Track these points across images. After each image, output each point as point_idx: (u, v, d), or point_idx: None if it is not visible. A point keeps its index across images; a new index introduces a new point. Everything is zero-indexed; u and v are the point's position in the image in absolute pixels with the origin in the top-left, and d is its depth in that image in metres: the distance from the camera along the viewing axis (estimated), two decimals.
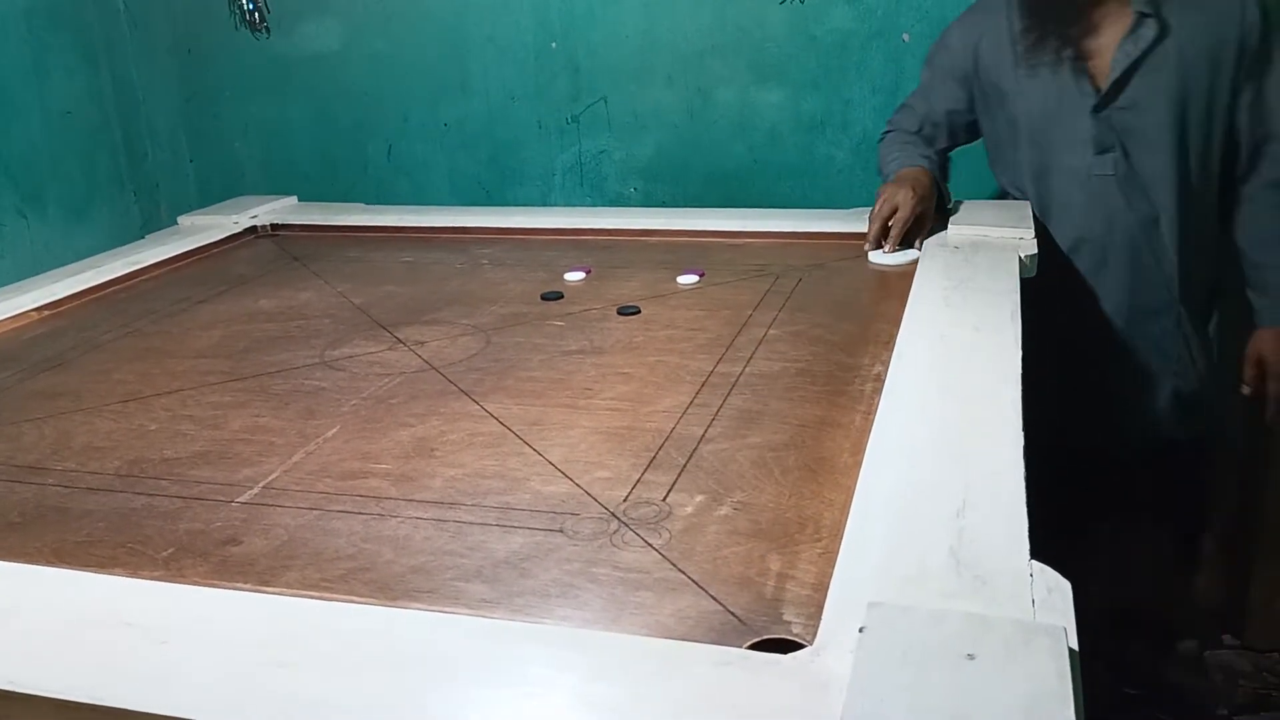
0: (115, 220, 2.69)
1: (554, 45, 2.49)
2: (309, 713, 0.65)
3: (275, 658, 0.71)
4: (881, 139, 1.92)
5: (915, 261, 1.56)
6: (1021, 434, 0.96)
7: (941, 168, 1.83)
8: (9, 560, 0.86)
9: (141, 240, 1.97)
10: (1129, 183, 1.67)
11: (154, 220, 2.75)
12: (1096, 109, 1.66)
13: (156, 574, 0.85)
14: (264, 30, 2.66)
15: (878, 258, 1.64)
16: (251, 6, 2.64)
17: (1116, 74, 1.64)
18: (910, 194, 1.62)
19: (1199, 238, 1.71)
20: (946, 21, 2.18)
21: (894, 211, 1.62)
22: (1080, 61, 1.67)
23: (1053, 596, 0.72)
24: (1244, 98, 1.66)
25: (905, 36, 2.26)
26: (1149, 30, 1.62)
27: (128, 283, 1.75)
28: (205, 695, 0.67)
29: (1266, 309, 1.74)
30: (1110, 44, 1.65)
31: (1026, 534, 0.79)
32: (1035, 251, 1.57)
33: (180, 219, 2.11)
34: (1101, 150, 1.67)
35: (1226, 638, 2.31)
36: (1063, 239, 1.73)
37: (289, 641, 0.72)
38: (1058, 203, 1.73)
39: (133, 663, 0.71)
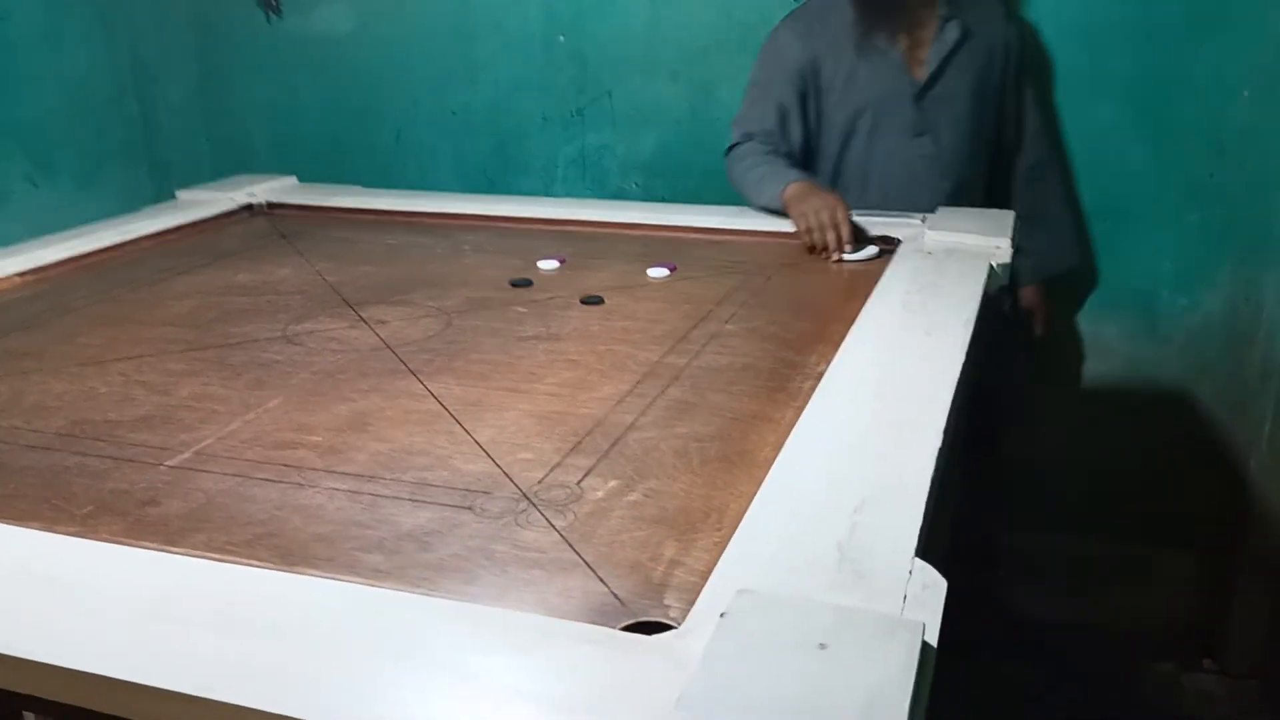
0: (125, 191, 2.74)
1: (561, 38, 2.51)
2: (183, 666, 0.67)
3: (161, 613, 0.72)
4: (730, 152, 1.98)
5: (881, 253, 1.64)
6: (941, 436, 0.96)
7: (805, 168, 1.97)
8: None
9: (137, 212, 2.00)
10: (939, 161, 1.97)
11: (165, 194, 2.77)
12: (917, 98, 1.94)
13: (72, 529, 0.87)
14: (277, 12, 2.70)
15: (847, 256, 1.65)
16: None
17: (933, 68, 1.93)
18: (831, 195, 1.71)
19: (986, 206, 1.97)
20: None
21: (834, 214, 1.66)
22: (903, 56, 1.94)
23: (926, 593, 0.72)
24: (1009, 95, 2.03)
25: None
26: (954, 31, 1.93)
27: (115, 252, 1.78)
28: (85, 646, 0.69)
29: (1027, 270, 2.09)
30: (925, 42, 1.93)
31: (918, 533, 0.79)
32: (1009, 260, 1.57)
33: (179, 193, 2.14)
34: (919, 133, 1.96)
35: (1207, 662, 2.28)
36: (883, 208, 1.87)
37: (177, 599, 0.74)
38: (879, 177, 1.98)
39: (20, 610, 0.73)
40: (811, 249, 1.68)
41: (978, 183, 2.05)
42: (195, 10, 2.80)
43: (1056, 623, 2.32)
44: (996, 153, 2.06)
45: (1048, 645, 2.26)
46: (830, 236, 1.65)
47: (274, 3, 2.70)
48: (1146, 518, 2.34)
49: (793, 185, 1.76)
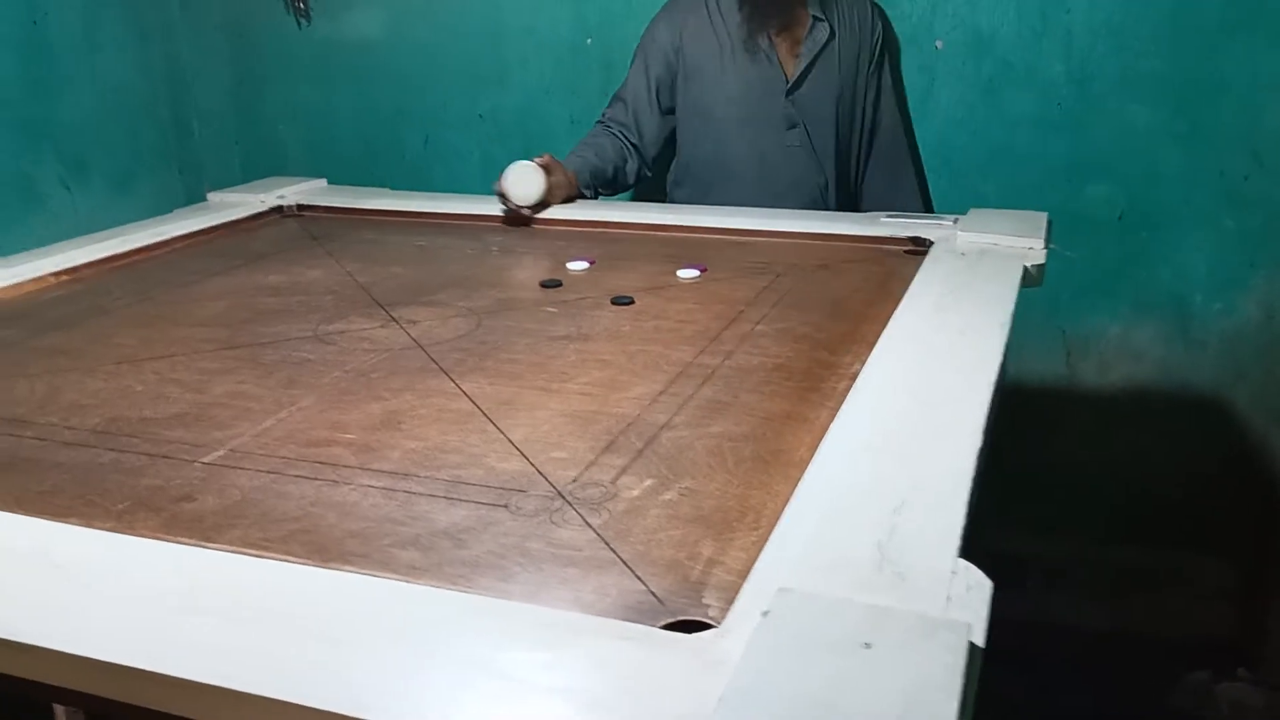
0: (158, 195, 2.76)
1: (589, 41, 2.51)
2: (216, 659, 0.67)
3: (195, 607, 0.72)
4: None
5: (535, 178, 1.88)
6: (980, 437, 0.95)
7: (639, 149, 2.17)
8: None
9: (169, 214, 2.01)
10: (808, 153, 2.08)
11: (197, 197, 2.79)
12: (788, 93, 2.05)
13: (108, 525, 0.87)
14: (306, 17, 2.71)
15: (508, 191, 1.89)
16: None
17: (803, 66, 2.05)
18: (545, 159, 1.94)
19: (850, 196, 2.18)
20: (980, 28, 2.18)
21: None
22: (777, 54, 2.05)
23: (970, 594, 0.71)
24: (870, 94, 2.15)
25: (938, 43, 2.25)
26: (822, 32, 2.05)
27: (149, 254, 1.79)
28: (118, 638, 0.69)
29: None
30: (798, 40, 2.05)
31: (959, 533, 0.78)
32: (1043, 261, 1.55)
33: (210, 196, 2.15)
34: (790, 126, 2.07)
35: (1241, 672, 2.25)
36: (757, 198, 2.03)
37: (210, 592, 0.74)
38: (755, 168, 2.09)
39: (53, 603, 0.73)
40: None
41: (851, 172, 2.18)
42: (228, 16, 2.82)
43: (1090, 631, 2.30)
44: (867, 142, 2.19)
45: (1082, 653, 2.23)
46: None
47: (303, 8, 2.72)
48: (1181, 525, 2.31)
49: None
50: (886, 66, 2.19)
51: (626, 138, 2.15)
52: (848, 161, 2.16)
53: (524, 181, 1.90)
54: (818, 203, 2.11)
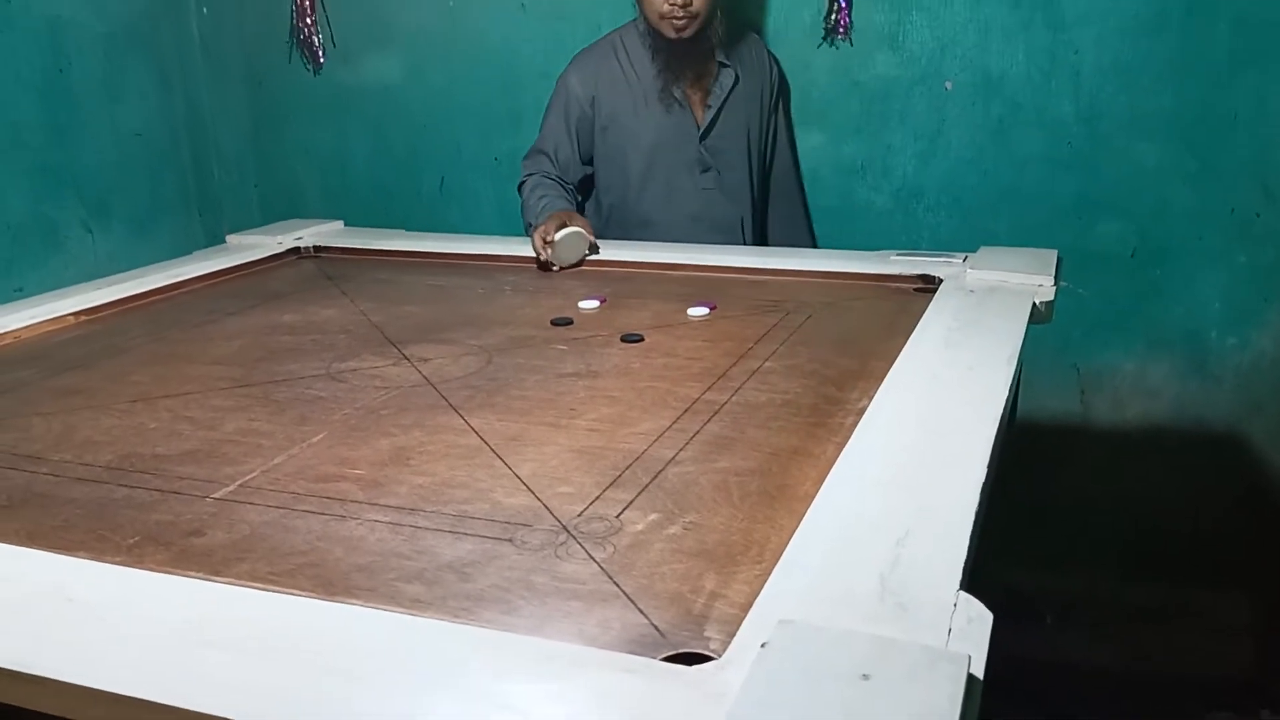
0: (178, 237, 2.80)
1: None
2: (224, 691, 0.67)
3: (203, 639, 0.73)
4: (521, 186, 2.19)
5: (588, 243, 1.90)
6: (985, 470, 0.95)
7: (583, 191, 2.25)
8: None
9: (188, 256, 2.04)
10: (723, 193, 2.17)
11: (216, 239, 2.83)
12: (701, 139, 2.13)
13: (119, 559, 0.88)
14: (317, 64, 2.76)
15: (556, 255, 1.88)
16: (314, 39, 2.74)
17: (713, 112, 2.13)
18: (548, 221, 1.93)
19: (760, 230, 2.26)
20: (990, 70, 2.20)
21: (544, 237, 1.89)
22: (689, 103, 2.13)
23: (971, 626, 0.71)
24: (769, 134, 2.24)
25: (948, 84, 2.27)
26: (728, 77, 2.13)
27: (167, 295, 1.81)
28: (125, 669, 0.69)
29: None
30: (706, 88, 2.13)
31: (962, 565, 0.78)
32: (1052, 298, 1.55)
33: (229, 238, 2.19)
34: (704, 170, 2.15)
35: (1265, 714, 2.22)
36: (675, 236, 2.11)
37: (218, 626, 0.75)
38: (671, 208, 2.15)
39: (65, 636, 0.74)
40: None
41: (762, 204, 2.27)
42: (248, 62, 2.87)
43: (1104, 668, 2.27)
44: (767, 176, 2.29)
45: (1096, 691, 2.21)
46: (535, 247, 1.89)
47: (315, 53, 2.76)
48: (1199, 561, 2.29)
49: (543, 217, 1.98)
50: (782, 105, 2.29)
51: (564, 186, 2.17)
52: (760, 196, 2.25)
53: (576, 250, 1.91)
54: (736, 239, 2.19)
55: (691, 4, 1.99)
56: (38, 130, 2.45)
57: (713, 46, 2.10)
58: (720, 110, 2.14)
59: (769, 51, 2.27)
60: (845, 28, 2.29)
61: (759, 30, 2.34)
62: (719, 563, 0.85)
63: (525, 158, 2.22)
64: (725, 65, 2.13)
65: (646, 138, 2.14)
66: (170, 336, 1.57)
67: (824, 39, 2.32)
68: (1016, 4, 2.18)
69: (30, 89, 2.43)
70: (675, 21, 2.01)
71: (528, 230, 2.04)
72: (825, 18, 2.30)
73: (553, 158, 2.17)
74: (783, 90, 2.30)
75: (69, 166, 2.54)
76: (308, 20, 2.74)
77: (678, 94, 2.11)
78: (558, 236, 1.87)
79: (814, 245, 2.37)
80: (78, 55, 2.53)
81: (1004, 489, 1.19)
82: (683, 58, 2.08)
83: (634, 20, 2.14)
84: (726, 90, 2.13)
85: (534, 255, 1.93)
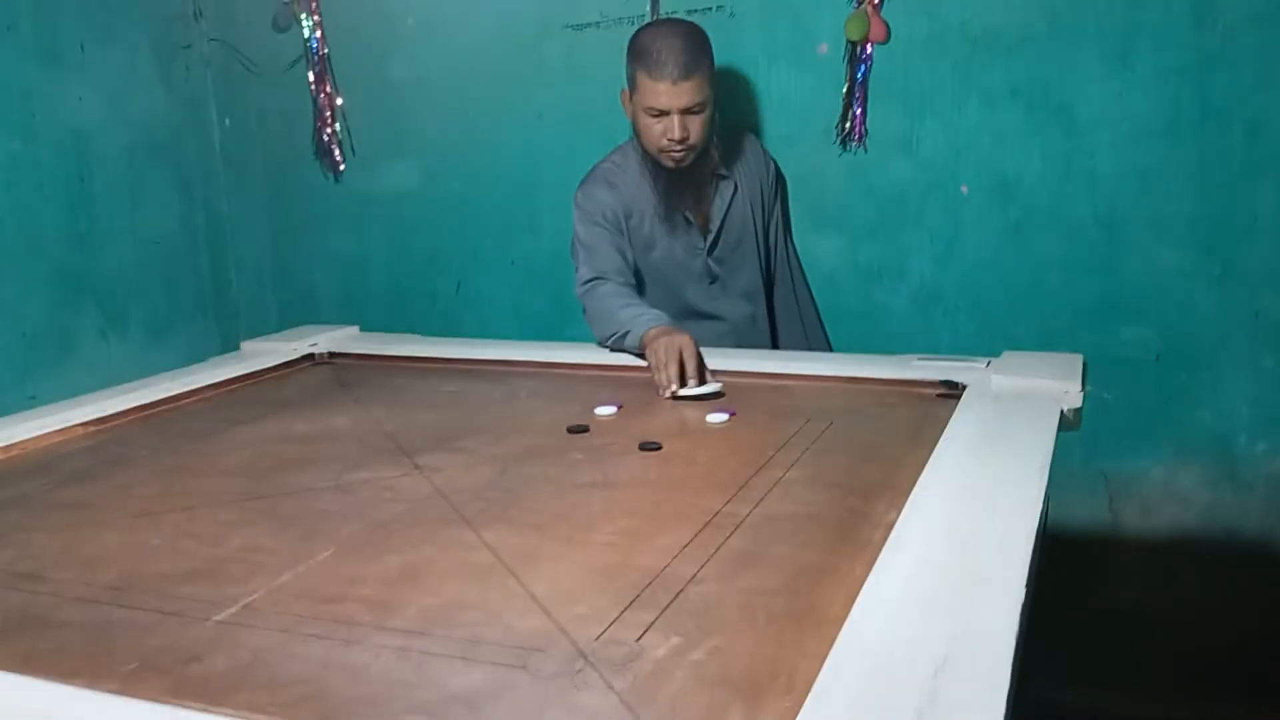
0: (194, 343, 2.80)
1: None
2: None
3: None
4: (588, 292, 2.05)
5: (719, 392, 1.68)
6: (1024, 590, 0.90)
7: None
8: None
9: (201, 364, 2.03)
10: (732, 298, 2.21)
11: (232, 345, 2.84)
12: (709, 253, 2.17)
13: (114, 686, 0.84)
14: (337, 173, 2.79)
15: (684, 391, 1.68)
16: (334, 148, 2.78)
17: (716, 226, 2.16)
18: (687, 336, 1.75)
19: (775, 318, 2.30)
20: (1005, 173, 2.21)
21: (680, 352, 1.71)
22: (695, 222, 2.15)
23: None
24: (771, 228, 2.28)
25: (964, 188, 2.27)
26: (728, 187, 2.17)
27: (177, 403, 1.79)
28: None
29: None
30: (708, 201, 2.16)
31: (1005, 698, 0.73)
32: (1080, 405, 1.52)
33: (243, 344, 2.18)
34: (713, 281, 2.20)
35: None
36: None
37: None
38: (682, 318, 2.07)
39: None
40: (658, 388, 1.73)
41: (771, 300, 2.30)
42: (268, 170, 2.91)
43: None
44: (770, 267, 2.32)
45: None
46: (672, 370, 1.69)
47: (335, 163, 2.79)
48: (1238, 674, 2.20)
49: (652, 329, 1.82)
50: (780, 199, 2.33)
51: (634, 288, 2.09)
52: (768, 292, 2.28)
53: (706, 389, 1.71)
54: (750, 337, 2.22)
55: (689, 138, 2.00)
56: (58, 239, 2.47)
57: (712, 169, 2.13)
58: (724, 220, 2.17)
59: (764, 149, 2.29)
60: (861, 136, 2.30)
61: (762, 134, 2.36)
62: (745, 693, 0.80)
63: (580, 273, 2.08)
64: (724, 177, 2.17)
65: (657, 254, 2.16)
66: (179, 447, 1.55)
67: (839, 145, 2.33)
68: (1030, 110, 2.19)
69: (52, 199, 2.46)
70: (674, 154, 2.03)
71: (609, 340, 1.94)
72: (839, 125, 2.32)
73: (609, 261, 2.06)
74: (779, 185, 2.34)
75: (88, 274, 2.55)
76: (328, 130, 2.78)
77: (685, 214, 2.13)
78: (697, 391, 1.68)
79: (822, 328, 2.38)
80: (100, 165, 2.56)
81: (1036, 601, 1.14)
82: (683, 180, 2.10)
83: (630, 141, 2.15)
84: (727, 202, 2.17)
85: (572, 362, 1.94)
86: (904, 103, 2.27)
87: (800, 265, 2.38)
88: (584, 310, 2.06)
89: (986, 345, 2.07)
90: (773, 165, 2.30)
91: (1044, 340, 2.19)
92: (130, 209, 2.66)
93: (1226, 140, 2.08)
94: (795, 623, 0.92)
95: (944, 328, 2.33)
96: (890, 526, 1.08)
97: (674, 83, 1.95)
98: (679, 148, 2.01)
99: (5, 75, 2.34)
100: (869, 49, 2.26)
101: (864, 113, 2.30)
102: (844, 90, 2.30)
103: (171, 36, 2.77)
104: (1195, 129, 2.09)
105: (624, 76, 2.07)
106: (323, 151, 2.80)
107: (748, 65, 2.38)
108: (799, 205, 2.39)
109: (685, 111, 1.98)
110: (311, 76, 2.77)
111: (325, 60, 2.76)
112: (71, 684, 0.84)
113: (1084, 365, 1.65)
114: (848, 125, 2.31)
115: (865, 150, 2.32)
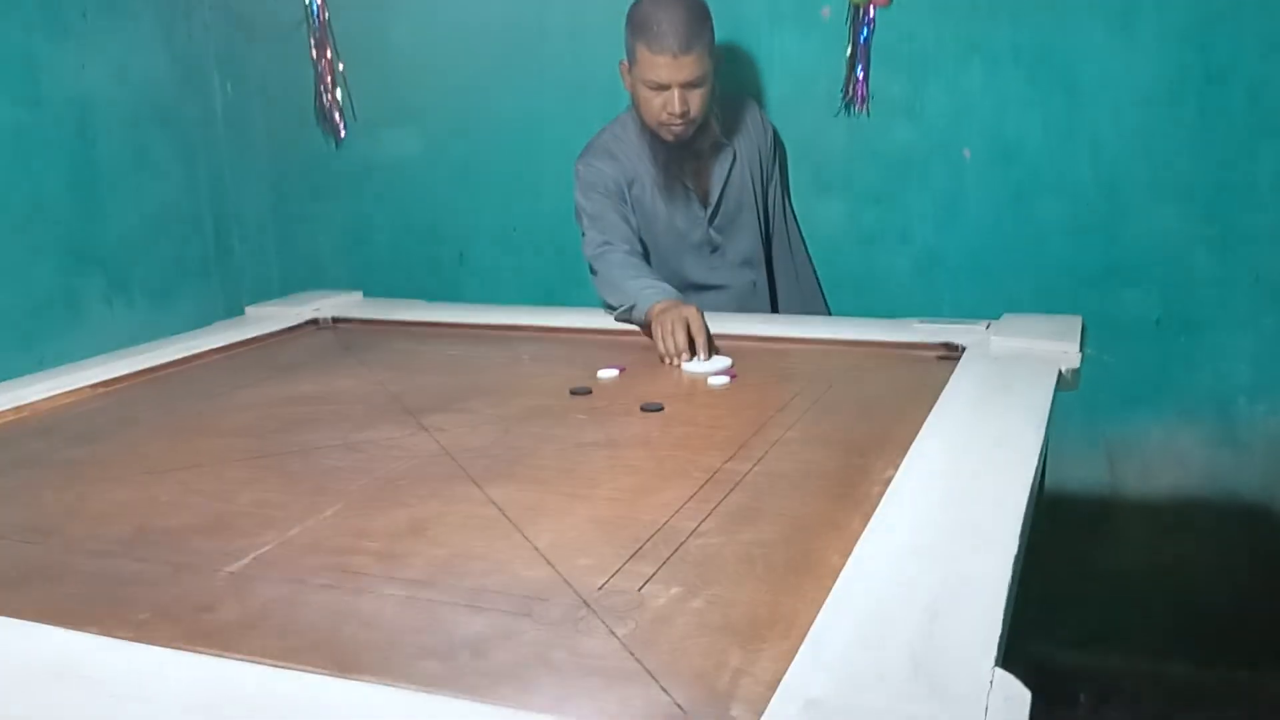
0: (198, 308, 2.81)
1: None
2: None
3: (212, 716, 0.71)
4: (599, 257, 2.03)
5: (730, 368, 1.64)
6: (1017, 544, 0.92)
7: None
8: None
9: (205, 328, 2.04)
10: (732, 265, 2.21)
11: (235, 310, 2.83)
12: (709, 222, 2.17)
13: (128, 635, 0.86)
14: (338, 136, 2.79)
15: (692, 366, 1.67)
16: (335, 113, 2.78)
17: (715, 195, 2.16)
18: (693, 308, 1.76)
19: (776, 285, 2.30)
20: (1007, 138, 2.21)
21: (687, 323, 1.71)
22: (696, 193, 2.15)
23: (1009, 705, 0.68)
24: (770, 193, 2.28)
25: (966, 152, 2.27)
26: (727, 157, 2.16)
27: (183, 366, 1.81)
28: None
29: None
30: (708, 171, 2.16)
31: (997, 641, 0.75)
32: (1078, 365, 1.53)
33: (248, 309, 2.19)
34: (714, 249, 2.20)
35: None
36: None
37: (227, 704, 0.72)
38: (684, 286, 2.09)
39: (75, 714, 0.72)
40: (662, 358, 1.73)
41: (770, 266, 2.30)
42: (270, 136, 2.91)
43: None
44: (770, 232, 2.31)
45: None
46: (679, 339, 1.70)
47: (336, 127, 2.79)
48: (1236, 637, 2.23)
49: (658, 304, 1.82)
50: (778, 164, 2.32)
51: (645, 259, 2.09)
52: (767, 257, 2.28)
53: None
54: (750, 305, 2.22)
55: (689, 112, 1.99)
56: (62, 206, 2.48)
57: (712, 140, 2.12)
58: (724, 189, 2.17)
59: (763, 115, 2.28)
60: (863, 98, 2.30)
61: (765, 99, 2.36)
62: (744, 638, 0.82)
63: (587, 242, 2.08)
64: (724, 146, 2.16)
65: (659, 224, 2.15)
66: (185, 408, 1.56)
67: (842, 109, 2.33)
68: (1033, 74, 2.19)
69: (57, 166, 2.46)
70: (673, 128, 2.02)
71: (617, 310, 1.94)
72: (844, 89, 2.32)
73: (617, 229, 2.06)
74: (778, 150, 2.33)
75: (92, 240, 2.56)
76: (328, 96, 2.78)
77: (685, 184, 2.13)
78: (702, 368, 1.67)
79: (823, 299, 2.38)
80: (104, 132, 2.56)
81: (1035, 562, 1.16)
82: (682, 152, 2.10)
83: (628, 111, 2.14)
84: (726, 171, 2.16)
85: (575, 327, 1.96)
86: (907, 67, 2.27)
87: (799, 230, 2.38)
88: (593, 272, 2.06)
89: (988, 308, 2.07)
90: (771, 130, 2.29)
91: (1045, 303, 2.20)
92: (133, 175, 2.66)
93: (1228, 103, 2.08)
94: (793, 573, 0.94)
95: (946, 291, 2.34)
96: (888, 482, 1.10)
97: (674, 57, 1.93)
98: (679, 122, 2.00)
99: (9, 43, 2.34)
100: (871, 12, 2.26)
101: (866, 76, 2.29)
102: (847, 54, 2.30)
103: (173, 2, 2.76)
104: (1197, 92, 2.09)
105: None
106: (323, 117, 2.80)
107: (750, 29, 2.37)
108: (802, 170, 2.39)
109: (685, 86, 1.97)
110: (312, 42, 2.76)
111: (326, 26, 2.75)
112: (87, 632, 0.86)
113: (1083, 327, 1.66)
114: (851, 89, 2.31)
115: (868, 115, 2.32)
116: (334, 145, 2.83)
